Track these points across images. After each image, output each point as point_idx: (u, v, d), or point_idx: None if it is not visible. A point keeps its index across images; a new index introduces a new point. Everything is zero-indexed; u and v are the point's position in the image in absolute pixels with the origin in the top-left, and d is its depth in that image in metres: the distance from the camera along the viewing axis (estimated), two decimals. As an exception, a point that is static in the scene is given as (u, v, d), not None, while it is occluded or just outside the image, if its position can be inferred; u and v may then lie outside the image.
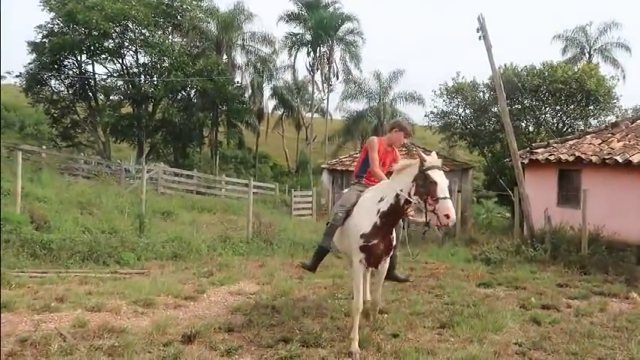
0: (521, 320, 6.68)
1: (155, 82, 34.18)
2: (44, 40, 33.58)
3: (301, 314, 6.53)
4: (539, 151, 15.30)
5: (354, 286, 5.66)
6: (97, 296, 7.05)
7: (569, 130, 25.13)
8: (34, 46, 33.70)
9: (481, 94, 27.47)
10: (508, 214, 22.69)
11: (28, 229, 9.97)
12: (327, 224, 6.25)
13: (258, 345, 5.50)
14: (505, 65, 25.61)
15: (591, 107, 25.92)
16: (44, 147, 29.10)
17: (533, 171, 15.04)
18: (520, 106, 26.23)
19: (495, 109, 24.93)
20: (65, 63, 34.31)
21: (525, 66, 26.15)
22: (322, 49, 38.38)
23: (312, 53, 38.68)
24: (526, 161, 14.94)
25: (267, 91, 42.85)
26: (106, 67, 35.84)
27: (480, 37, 13.12)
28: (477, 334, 5.96)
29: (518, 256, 11.56)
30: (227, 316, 6.54)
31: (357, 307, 5.55)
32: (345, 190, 6.51)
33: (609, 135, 14.63)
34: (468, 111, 27.86)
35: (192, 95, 37.42)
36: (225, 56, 37.52)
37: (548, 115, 27.34)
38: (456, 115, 28.25)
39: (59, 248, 9.44)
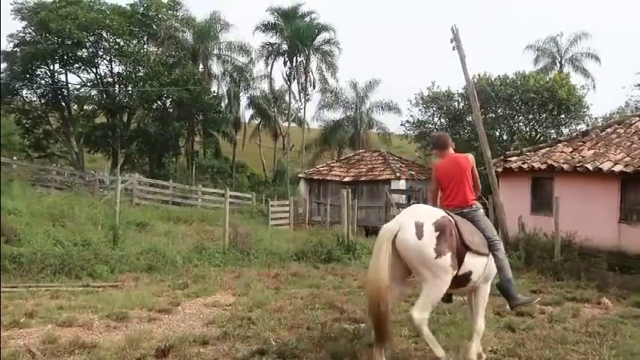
0: (496, 327, 6.73)
1: (130, 92, 33.88)
2: (16, 49, 33.05)
3: (278, 325, 6.49)
4: (512, 159, 15.55)
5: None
6: (68, 311, 6.90)
7: (541, 138, 25.65)
8: (6, 55, 33.12)
9: (456, 103, 27.92)
10: (483, 222, 22.93)
11: (-3, 242, 9.72)
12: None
13: (234, 357, 5.45)
14: (479, 75, 26.10)
15: (563, 116, 26.51)
16: (15, 158, 28.52)
17: (507, 179, 15.27)
18: (494, 115, 26.70)
19: (470, 118, 25.34)
20: (37, 72, 33.79)
21: (499, 76, 26.69)
22: (299, 59, 38.52)
23: (288, 63, 38.78)
24: (500, 169, 15.17)
25: (243, 101, 42.88)
26: (79, 77, 35.44)
27: (453, 48, 13.31)
28: (453, 342, 5.99)
29: (493, 264, 11.64)
30: (202, 328, 6.46)
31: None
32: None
33: (580, 143, 14.95)
34: (443, 120, 28.27)
35: (168, 105, 37.20)
36: (201, 66, 37.42)
37: (521, 124, 27.89)
38: (432, 124, 28.64)
39: (30, 262, 9.20)
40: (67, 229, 11.99)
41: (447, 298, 5.72)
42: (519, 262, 11.53)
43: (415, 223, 4.94)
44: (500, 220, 13.45)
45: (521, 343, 6.11)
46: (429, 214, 5.11)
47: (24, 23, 32.88)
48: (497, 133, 27.53)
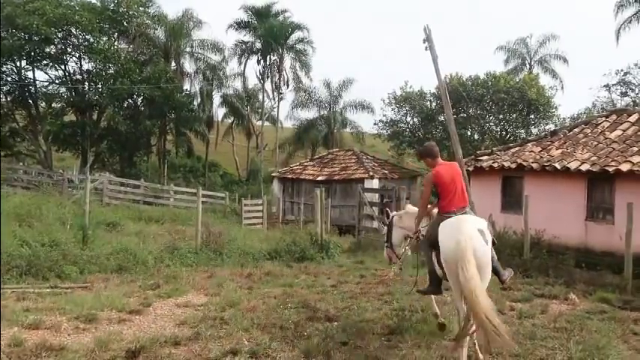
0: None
1: (100, 90, 33.26)
2: (-20, 45, 32.08)
3: (251, 325, 6.45)
4: (483, 158, 15.77)
5: None
6: (35, 313, 6.74)
7: (511, 138, 26.12)
8: (-31, 51, 32.14)
9: (428, 103, 28.24)
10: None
11: (-41, 243, 9.43)
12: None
13: (206, 358, 5.41)
14: (451, 75, 26.46)
15: (532, 116, 27.07)
16: (-20, 157, 27.71)
17: (478, 178, 15.49)
18: (465, 115, 27.10)
19: (442, 117, 25.66)
20: (3, 69, 32.88)
21: (470, 76, 27.10)
22: (272, 58, 38.39)
23: (262, 61, 38.62)
24: (471, 168, 15.37)
25: (216, 99, 42.49)
26: (47, 74, 34.59)
27: (426, 48, 13.43)
28: (425, 339, 6.06)
29: (465, 261, 11.79)
30: (174, 329, 6.39)
31: None
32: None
33: (549, 143, 15.25)
34: (415, 119, 28.57)
35: (139, 103, 36.65)
36: (173, 63, 36.95)
37: (492, 124, 28.36)
38: (405, 124, 28.92)
39: (-5, 263, 8.96)
40: (35, 230, 11.70)
41: (439, 289, 6.18)
42: (490, 260, 11.69)
43: (479, 231, 5.38)
44: (472, 219, 13.63)
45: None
46: (479, 221, 5.72)
47: (-11, 18, 31.98)
48: (469, 133, 27.95)
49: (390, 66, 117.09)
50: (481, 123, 27.88)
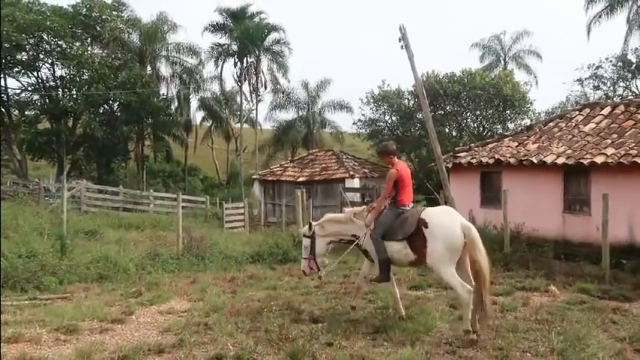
0: (450, 320, 6.89)
1: (74, 96, 32.77)
2: (-52, 52, 31.36)
3: (235, 329, 6.42)
4: (461, 154, 15.93)
5: None
6: (13, 326, 6.60)
7: (488, 133, 26.40)
8: (-63, 60, 31.38)
9: (406, 101, 28.39)
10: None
11: None
12: None
13: (191, 364, 5.35)
14: (427, 73, 26.63)
15: (508, 111, 27.39)
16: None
17: (457, 174, 15.64)
18: (443, 112, 27.31)
19: (420, 115, 25.82)
20: (-27, 77, 32.20)
21: (446, 73, 27.29)
22: (249, 60, 38.19)
23: (238, 64, 38.39)
24: (450, 165, 15.52)
25: (194, 103, 42.25)
26: (19, 81, 33.94)
27: (402, 47, 13.50)
28: (410, 336, 6.09)
29: (447, 257, 11.89)
30: (157, 337, 6.32)
31: None
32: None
33: (525, 137, 15.47)
34: (394, 118, 28.69)
35: (115, 108, 36.21)
36: (149, 68, 36.57)
37: (469, 120, 28.63)
38: (383, 122, 29.02)
39: (-30, 276, 8.77)
40: (11, 241, 11.48)
41: (389, 276, 7.04)
42: (471, 255, 11.81)
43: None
44: (452, 215, 13.74)
45: (475, 333, 6.26)
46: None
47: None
48: (447, 130, 28.18)
49: (367, 65, 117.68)
50: (458, 120, 28.13)
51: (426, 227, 6.44)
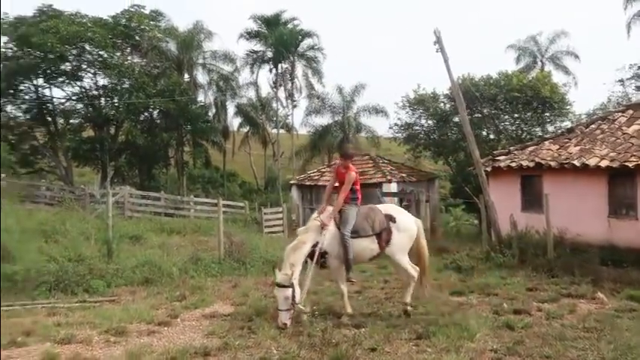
0: (494, 326, 6.81)
1: (116, 104, 33.69)
2: (-3, 65, 32.72)
3: (278, 334, 6.50)
4: (500, 158, 15.69)
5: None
6: (66, 327, 6.86)
7: (527, 136, 25.84)
8: (-13, 72, 32.78)
9: (442, 104, 28.05)
10: (476, 221, 23.10)
11: (-11, 261, 9.62)
12: None
13: (237, 368, 5.45)
14: (463, 76, 26.24)
15: (547, 114, 26.75)
16: (3, 175, 28.18)
17: (496, 178, 15.41)
18: (480, 115, 26.88)
19: (456, 118, 25.48)
20: (21, 87, 33.49)
21: (482, 76, 26.84)
22: (284, 66, 38.55)
23: (274, 70, 38.81)
24: (489, 169, 15.30)
25: (231, 109, 42.73)
26: (64, 91, 35.12)
27: (437, 50, 13.45)
28: (453, 342, 6.05)
29: (488, 263, 11.77)
30: (202, 339, 6.45)
31: None
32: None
33: (566, 140, 15.12)
34: (430, 121, 28.38)
35: (155, 116, 37.00)
36: (186, 75, 37.28)
37: (507, 123, 28.08)
38: (419, 126, 28.74)
39: (24, 279, 9.14)
40: (60, 245, 11.92)
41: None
42: (513, 261, 11.65)
43: None
44: (493, 219, 13.57)
45: (521, 341, 6.19)
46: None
47: (5, 38, 32.62)
48: (484, 133, 27.70)
49: (402, 69, 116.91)
50: (496, 123, 27.64)
51: (394, 222, 7.53)
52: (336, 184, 7.91)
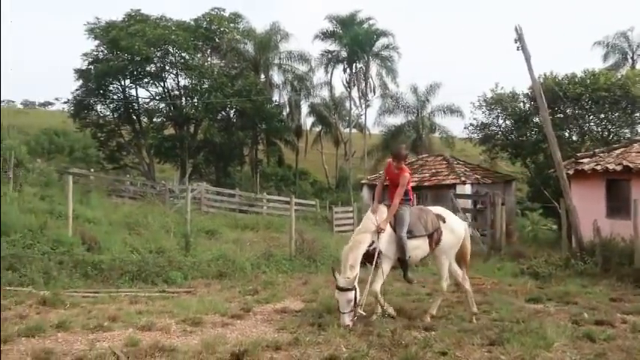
0: (573, 336, 6.47)
1: (196, 104, 35.05)
2: (90, 66, 34.99)
3: (348, 332, 6.51)
4: (584, 161, 14.92)
5: None
6: (147, 315, 7.21)
7: (614, 138, 24.37)
8: (81, 73, 35.16)
9: (521, 104, 27.00)
10: (554, 227, 22.08)
11: (79, 250, 10.33)
12: None
13: (306, 363, 5.52)
14: (545, 74, 25.13)
15: (637, 114, 25.11)
16: (92, 170, 30.11)
17: (579, 182, 14.66)
18: (562, 116, 25.63)
19: (537, 119, 24.43)
20: (110, 88, 35.63)
21: (566, 74, 25.54)
22: (358, 65, 38.55)
23: (348, 69, 38.90)
24: (571, 172, 14.59)
25: (304, 109, 43.31)
26: (148, 91, 37.03)
27: (518, 48, 12.98)
28: (529, 351, 5.80)
29: (568, 270, 11.24)
30: (274, 334, 6.58)
31: None
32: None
33: (659, 142, 14.15)
34: (508, 122, 27.38)
35: (231, 115, 38.16)
36: (262, 76, 38.17)
37: (592, 124, 26.59)
38: (496, 127, 27.79)
39: (109, 268, 9.71)
40: (142, 237, 12.56)
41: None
42: (595, 269, 11.06)
43: None
44: (574, 225, 12.91)
45: (602, 353, 5.86)
46: None
47: (97, 42, 34.80)
48: (567, 134, 26.38)
49: (479, 68, 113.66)
50: (580, 123, 26.23)
51: (444, 222, 7.52)
52: (386, 183, 7.86)
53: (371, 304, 7.42)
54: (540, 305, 8.39)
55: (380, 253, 7.07)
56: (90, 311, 7.39)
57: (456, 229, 7.60)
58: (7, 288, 8.06)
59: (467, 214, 16.85)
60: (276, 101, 39.33)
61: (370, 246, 7.08)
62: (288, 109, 40.50)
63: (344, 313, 6.75)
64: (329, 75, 40.27)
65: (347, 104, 41.81)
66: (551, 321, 7.13)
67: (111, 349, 5.66)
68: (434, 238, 7.38)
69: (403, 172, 7.49)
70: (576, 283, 10.02)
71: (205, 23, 36.29)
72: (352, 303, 6.76)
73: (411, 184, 7.83)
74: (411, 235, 7.25)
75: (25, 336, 5.96)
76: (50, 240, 10.27)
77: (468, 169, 25.94)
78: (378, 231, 7.12)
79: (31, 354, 5.37)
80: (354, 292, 6.78)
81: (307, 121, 45.36)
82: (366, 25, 38.32)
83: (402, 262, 7.32)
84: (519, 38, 12.90)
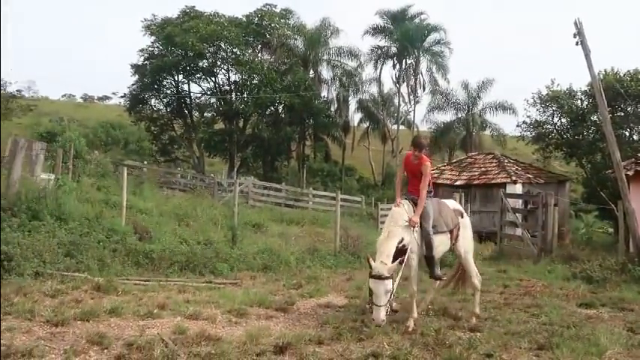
0: (628, 344, 6.20)
1: (245, 99, 35.59)
2: (145, 62, 36.07)
3: (391, 329, 6.47)
4: (646, 161, 14.25)
5: None
6: (194, 305, 7.37)
7: (680, 138, 23.17)
8: (137, 69, 36.33)
9: (578, 102, 26.04)
10: (610, 230, 21.20)
11: (132, 239, 10.66)
12: None
13: (348, 359, 5.52)
14: (605, 71, 24.17)
15: None
16: (145, 162, 31.07)
17: (639, 183, 14.00)
18: (623, 114, 24.59)
19: (595, 117, 23.56)
20: (164, 83, 36.63)
21: (628, 71, 24.47)
22: (408, 61, 38.16)
23: (397, 65, 38.57)
24: (631, 173, 13.97)
25: (352, 105, 43.25)
26: (200, 86, 37.89)
27: (577, 43, 12.51)
28: (579, 358, 5.60)
29: (624, 275, 10.76)
30: (317, 328, 6.60)
31: None
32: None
33: None
34: (564, 120, 26.49)
35: (280, 110, 38.55)
36: (311, 71, 38.30)
37: (655, 123, 25.36)
38: (551, 125, 26.94)
39: (159, 258, 9.97)
40: (191, 229, 12.86)
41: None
42: (654, 275, 10.54)
43: None
44: (632, 228, 12.34)
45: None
46: None
47: (152, 38, 35.83)
48: (627, 134, 25.27)
49: (534, 64, 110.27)
50: (642, 122, 25.07)
51: (462, 217, 7.44)
52: (405, 174, 7.46)
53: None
54: (593, 311, 8.08)
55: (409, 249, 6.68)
56: (140, 298, 7.61)
57: (469, 224, 7.61)
58: (65, 273, 8.40)
59: (517, 214, 16.39)
60: (324, 97, 39.48)
61: (400, 242, 6.61)
62: (336, 105, 40.53)
63: (380, 306, 6.21)
64: (378, 71, 40.10)
65: (395, 100, 41.48)
66: (604, 327, 6.85)
67: (160, 335, 5.82)
68: (453, 233, 7.20)
69: (424, 161, 7.12)
70: (633, 290, 9.59)
71: (257, 19, 36.74)
72: (389, 294, 6.27)
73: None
74: (435, 230, 6.94)
75: (80, 320, 6.21)
76: (105, 229, 10.64)
77: (519, 168, 25.26)
78: (412, 225, 6.77)
79: (85, 337, 5.58)
80: (391, 281, 6.27)
81: (355, 117, 45.32)
82: (417, 20, 37.89)
83: (428, 259, 6.96)
84: (579, 33, 12.42)
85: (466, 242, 7.39)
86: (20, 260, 8.15)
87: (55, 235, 9.51)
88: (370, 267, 6.36)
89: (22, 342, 5.28)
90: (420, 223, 6.84)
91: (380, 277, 6.24)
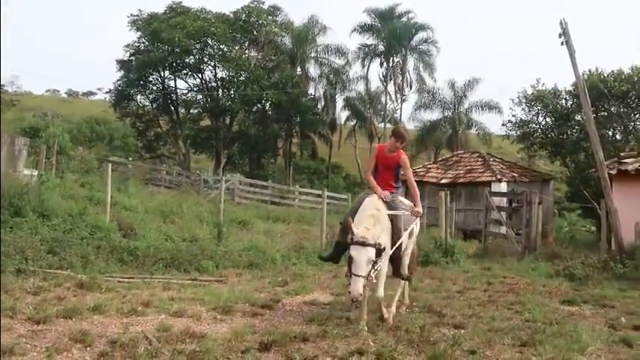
0: (609, 341, 6.28)
1: (232, 96, 35.46)
2: (131, 58, 35.75)
3: (376, 326, 6.49)
4: (628, 161, 14.44)
5: None
6: (179, 302, 7.33)
7: (661, 138, 23.51)
8: (122, 64, 35.98)
9: (563, 101, 26.31)
10: (593, 228, 21.47)
11: (116, 236, 10.58)
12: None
13: (333, 356, 5.51)
14: (590, 71, 24.42)
15: (687, 113, 24.18)
16: (130, 159, 30.84)
17: (621, 182, 14.20)
18: (606, 114, 24.89)
19: (579, 116, 23.80)
20: (150, 79, 36.35)
21: (612, 71, 24.75)
22: (395, 59, 38.27)
23: (385, 64, 38.65)
24: (614, 172, 14.14)
25: (339, 103, 43.28)
26: (186, 82, 37.66)
27: (562, 43, 12.66)
28: (562, 354, 5.66)
29: (606, 273, 10.92)
30: (302, 325, 6.59)
31: None
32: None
33: None
34: (548, 119, 26.73)
35: (267, 108, 38.47)
36: (299, 69, 38.26)
37: (637, 123, 25.72)
38: (536, 124, 27.17)
39: (144, 255, 9.89)
40: (176, 226, 12.80)
41: None
42: (636, 272, 10.72)
43: None
44: (614, 227, 12.52)
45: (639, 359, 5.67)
46: None
47: (139, 34, 35.51)
48: (610, 133, 25.59)
49: (519, 64, 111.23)
50: (625, 122, 25.40)
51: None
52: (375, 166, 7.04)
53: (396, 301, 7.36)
54: (575, 308, 8.17)
55: (384, 248, 6.08)
56: (124, 296, 7.55)
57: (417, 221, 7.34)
58: (47, 270, 8.31)
59: (502, 212, 16.54)
60: (311, 94, 39.47)
61: (378, 244, 5.98)
62: (323, 103, 40.56)
63: (359, 276, 5.68)
64: (365, 69, 40.18)
65: (382, 98, 41.59)
66: (586, 324, 6.94)
67: (143, 333, 5.77)
68: (410, 230, 6.82)
69: (402, 154, 6.84)
70: (614, 287, 9.73)
71: (244, 16, 36.58)
72: (371, 264, 5.74)
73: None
74: (404, 227, 6.66)
75: (62, 317, 6.14)
76: (89, 225, 10.54)
77: (504, 167, 25.50)
78: (417, 215, 6.66)
79: (67, 334, 5.52)
80: (375, 249, 5.72)
81: (342, 114, 45.33)
82: (404, 19, 38.00)
83: (395, 258, 6.55)
84: (564, 33, 12.57)
85: (414, 238, 7.33)
86: (2, 257, 8.03)
87: (37, 232, 9.41)
88: (352, 232, 5.82)
89: (4, 340, 5.21)
90: (393, 220, 6.47)
91: (363, 244, 5.73)
